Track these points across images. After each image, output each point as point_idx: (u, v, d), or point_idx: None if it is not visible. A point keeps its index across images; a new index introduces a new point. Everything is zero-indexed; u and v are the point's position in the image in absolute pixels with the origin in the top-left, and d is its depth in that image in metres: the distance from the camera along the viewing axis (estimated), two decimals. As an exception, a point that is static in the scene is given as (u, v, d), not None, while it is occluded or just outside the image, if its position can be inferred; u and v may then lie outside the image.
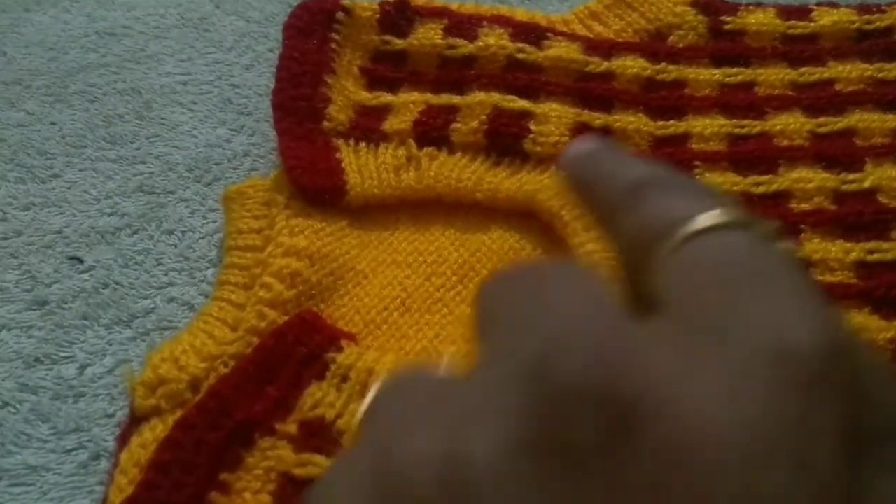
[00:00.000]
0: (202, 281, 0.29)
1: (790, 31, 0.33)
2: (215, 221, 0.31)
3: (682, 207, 0.12)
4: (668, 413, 0.09)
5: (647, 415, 0.09)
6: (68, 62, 0.40)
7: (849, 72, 0.31)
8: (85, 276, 0.30)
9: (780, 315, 0.10)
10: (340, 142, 0.30)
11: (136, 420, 0.23)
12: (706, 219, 0.12)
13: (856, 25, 0.33)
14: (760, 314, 0.10)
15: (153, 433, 0.22)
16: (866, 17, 0.33)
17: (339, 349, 0.24)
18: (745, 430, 0.09)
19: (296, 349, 0.23)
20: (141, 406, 0.23)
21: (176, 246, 0.31)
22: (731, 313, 0.10)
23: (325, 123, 0.30)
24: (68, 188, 0.34)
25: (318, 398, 0.22)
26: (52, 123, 0.37)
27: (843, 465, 0.09)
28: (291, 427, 0.22)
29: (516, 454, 0.09)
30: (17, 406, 0.26)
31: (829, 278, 0.24)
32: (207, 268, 0.30)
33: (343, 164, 0.29)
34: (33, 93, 0.38)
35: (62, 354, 0.27)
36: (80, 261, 0.31)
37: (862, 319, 0.23)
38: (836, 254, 0.25)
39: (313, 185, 0.28)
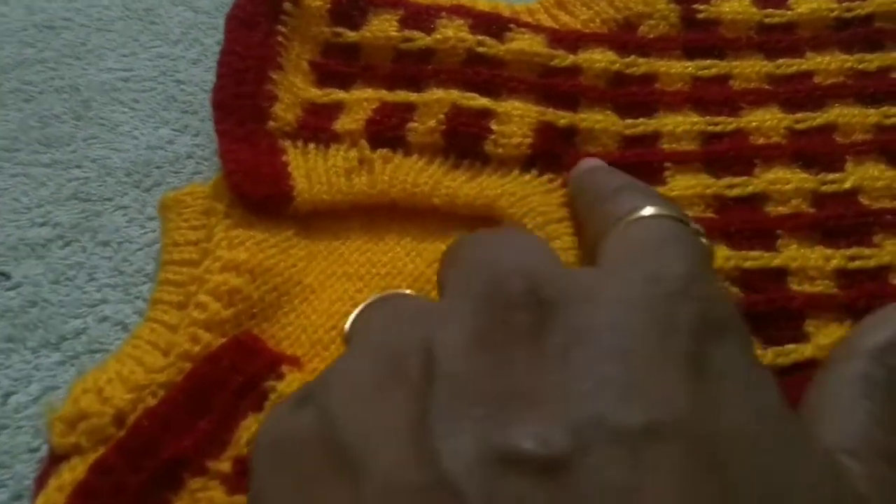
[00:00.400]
0: (137, 297, 0.27)
1: (766, 20, 0.31)
2: (154, 231, 0.29)
3: (636, 203, 0.18)
4: (575, 306, 0.14)
5: (562, 308, 0.14)
6: (3, 58, 0.37)
7: (828, 63, 0.29)
8: (11, 293, 0.28)
9: (665, 259, 0.16)
10: (287, 143, 0.28)
11: (55, 459, 0.21)
12: (648, 210, 0.18)
13: (835, 13, 0.31)
14: (652, 258, 0.16)
15: (72, 474, 0.20)
16: (846, 4, 0.31)
17: (280, 376, 0.21)
18: (626, 318, 0.14)
19: (231, 377, 0.21)
20: (59, 444, 0.20)
21: (111, 259, 0.28)
22: (634, 258, 0.16)
23: (271, 123, 0.28)
24: (-3, 196, 0.31)
25: (255, 432, 0.20)
26: (-17, 125, 0.34)
27: (693, 341, 0.13)
28: (225, 465, 0.20)
29: (472, 339, 0.14)
30: (-67, 439, 0.24)
31: (808, 289, 0.23)
32: (144, 283, 0.27)
33: (289, 168, 0.27)
34: (-36, 92, 0.36)
35: (-16, 381, 0.25)
36: (7, 276, 0.28)
37: (843, 334, 0.21)
38: (815, 261, 0.23)
39: (256, 192, 0.26)
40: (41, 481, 0.20)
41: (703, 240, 0.18)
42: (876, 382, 0.16)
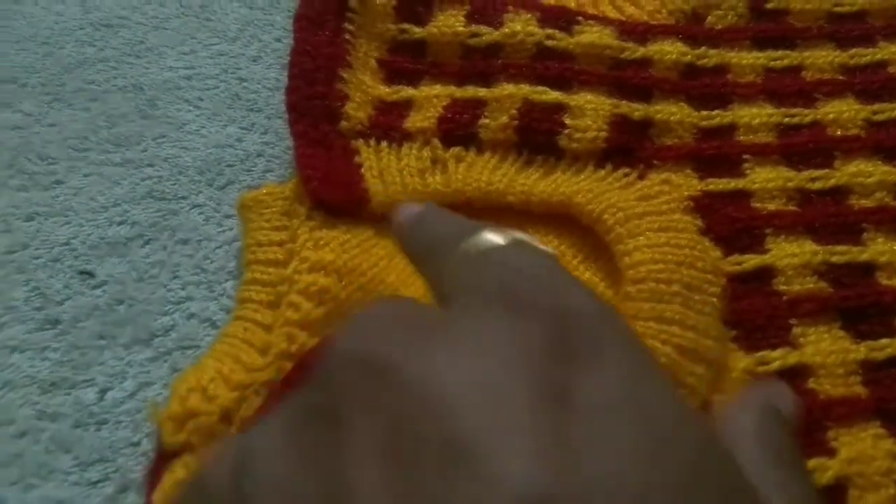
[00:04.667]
0: (222, 294, 0.28)
1: (836, 10, 0.30)
2: (232, 229, 0.30)
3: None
4: (412, 374, 0.11)
5: (396, 373, 0.11)
6: (64, 57, 0.38)
7: (902, 52, 0.29)
8: (98, 291, 0.28)
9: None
10: (360, 142, 0.28)
11: (164, 456, 0.21)
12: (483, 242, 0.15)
13: (906, -1, 0.31)
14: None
15: (186, 470, 0.21)
16: (916, -11, 0.31)
17: None
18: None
19: None
20: (170, 442, 0.21)
21: (192, 256, 0.29)
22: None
23: (343, 123, 0.28)
24: (73, 195, 0.32)
25: None
26: (52, 125, 0.35)
27: (549, 374, 0.11)
28: None
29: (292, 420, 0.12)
30: (37, 435, 0.25)
31: (897, 283, 0.23)
32: (226, 280, 0.28)
33: (363, 171, 0.28)
34: (29, 92, 0.36)
35: (80, 378, 0.26)
36: (92, 275, 0.29)
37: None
38: (903, 255, 0.23)
39: (332, 198, 0.26)
40: (153, 477, 0.21)
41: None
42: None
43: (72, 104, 0.36)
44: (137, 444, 0.24)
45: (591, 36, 0.29)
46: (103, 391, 0.26)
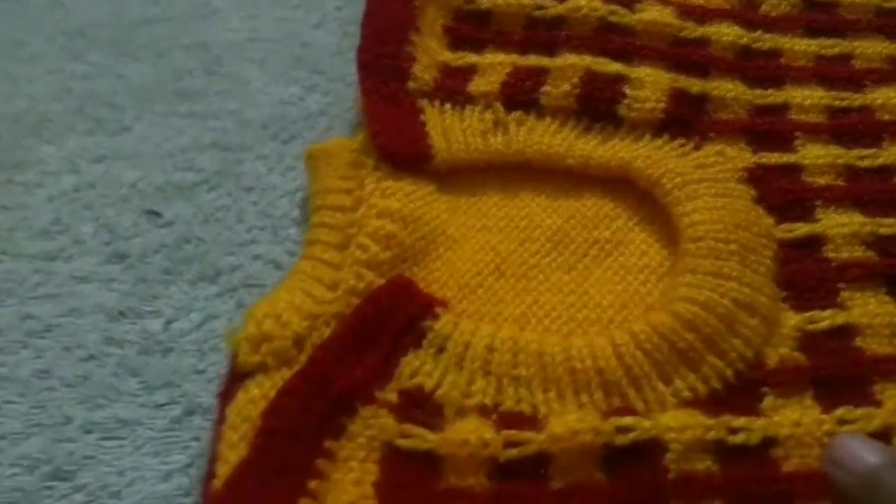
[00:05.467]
0: (286, 239, 0.29)
1: (885, 4, 0.32)
2: (295, 180, 0.31)
3: None
4: None
5: None
6: (131, 15, 0.39)
7: (948, 47, 0.30)
8: (164, 230, 0.30)
9: None
10: (425, 102, 0.30)
11: (239, 376, 0.22)
12: None
13: (953, -1, 0.32)
14: None
15: (261, 389, 0.22)
16: (963, -10, 0.32)
17: (435, 316, 0.23)
18: None
19: (391, 316, 0.23)
20: (245, 362, 0.22)
21: (256, 203, 0.30)
22: None
23: (411, 83, 0.30)
24: (140, 142, 0.33)
25: (416, 367, 0.22)
26: (119, 76, 0.36)
27: None
28: (391, 395, 0.21)
29: None
30: (104, 359, 0.26)
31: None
32: (291, 226, 0.29)
33: (427, 128, 0.29)
34: (97, 45, 0.38)
35: (146, 309, 0.27)
36: (159, 215, 0.30)
37: None
38: (948, 231, 0.24)
39: (398, 151, 0.27)
40: (226, 395, 0.22)
41: None
42: None
43: (138, 58, 0.37)
44: (203, 371, 0.25)
45: (652, 14, 0.30)
46: (169, 322, 0.27)
